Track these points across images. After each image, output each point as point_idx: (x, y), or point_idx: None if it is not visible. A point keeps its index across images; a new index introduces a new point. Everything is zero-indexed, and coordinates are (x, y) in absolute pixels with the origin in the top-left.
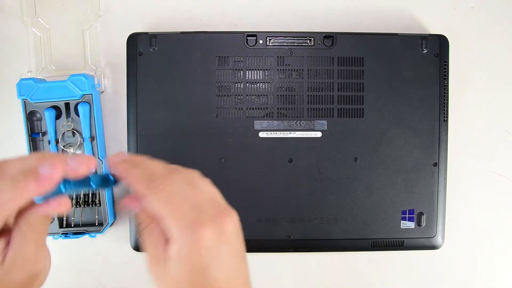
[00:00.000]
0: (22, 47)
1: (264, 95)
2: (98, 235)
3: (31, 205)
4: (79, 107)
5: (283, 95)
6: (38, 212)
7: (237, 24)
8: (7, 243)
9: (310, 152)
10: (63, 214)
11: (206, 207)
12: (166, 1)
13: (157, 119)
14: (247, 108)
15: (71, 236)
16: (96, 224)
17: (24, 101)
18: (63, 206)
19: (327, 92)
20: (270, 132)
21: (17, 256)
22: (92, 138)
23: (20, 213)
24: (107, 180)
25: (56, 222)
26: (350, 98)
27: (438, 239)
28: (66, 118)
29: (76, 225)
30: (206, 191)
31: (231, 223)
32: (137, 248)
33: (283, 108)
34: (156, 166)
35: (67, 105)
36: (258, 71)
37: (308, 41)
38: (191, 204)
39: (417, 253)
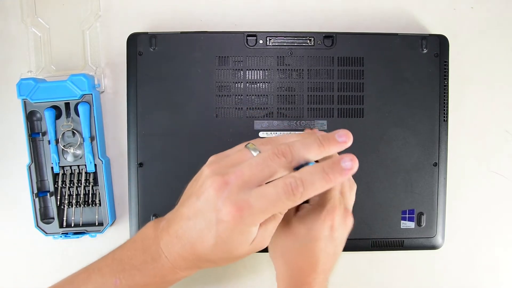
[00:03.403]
0: (22, 47)
1: (264, 95)
2: (98, 235)
3: None
4: (79, 107)
5: (283, 95)
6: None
7: (237, 24)
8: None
9: None
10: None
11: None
12: (166, 1)
13: (157, 119)
14: (247, 108)
15: (71, 236)
16: (96, 224)
17: (24, 101)
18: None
19: (327, 92)
20: (270, 132)
21: (265, 235)
22: (92, 138)
23: None
24: None
25: (56, 222)
26: (350, 98)
27: (438, 239)
28: (66, 118)
29: (76, 225)
30: (353, 198)
31: (351, 224)
32: None
33: (283, 108)
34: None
35: (67, 105)
36: (258, 71)
37: (308, 41)
38: (348, 203)
39: (417, 253)
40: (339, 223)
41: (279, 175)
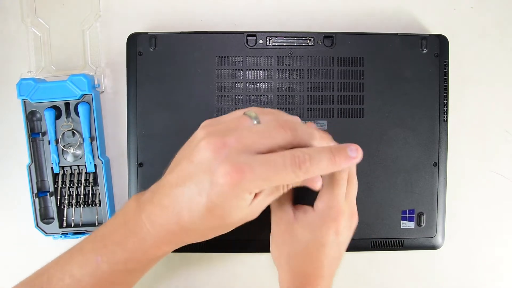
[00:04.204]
0: (22, 47)
1: (264, 95)
2: None
3: None
4: (79, 107)
5: (283, 95)
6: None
7: (237, 24)
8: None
9: None
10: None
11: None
12: (166, 1)
13: (157, 119)
14: None
15: (71, 236)
16: (96, 224)
17: (24, 101)
18: (318, 180)
19: (327, 92)
20: None
21: (258, 208)
22: (92, 138)
23: None
24: None
25: (56, 222)
26: (350, 98)
27: (438, 239)
28: (66, 118)
29: (76, 225)
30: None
31: (355, 225)
32: None
33: (283, 108)
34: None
35: (67, 105)
36: (258, 71)
37: (308, 41)
38: (353, 206)
39: (417, 253)
40: (344, 227)
41: (279, 149)
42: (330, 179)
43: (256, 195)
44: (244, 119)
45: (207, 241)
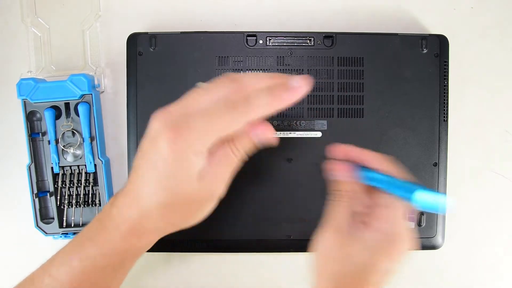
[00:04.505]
0: (22, 47)
1: None
2: None
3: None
4: (79, 107)
5: None
6: (250, 137)
7: (237, 24)
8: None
9: (310, 152)
10: (268, 144)
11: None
12: (166, 1)
13: None
14: None
15: (71, 236)
16: None
17: (24, 101)
18: (268, 132)
19: (327, 92)
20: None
21: (213, 175)
22: (92, 138)
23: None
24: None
25: (56, 222)
26: (350, 98)
27: (438, 239)
28: (66, 118)
29: (76, 225)
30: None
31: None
32: None
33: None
34: None
35: (67, 105)
36: (258, 71)
37: (308, 41)
38: (404, 227)
39: (417, 253)
40: (401, 256)
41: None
42: (389, 200)
43: (211, 161)
44: (190, 92)
45: (207, 241)
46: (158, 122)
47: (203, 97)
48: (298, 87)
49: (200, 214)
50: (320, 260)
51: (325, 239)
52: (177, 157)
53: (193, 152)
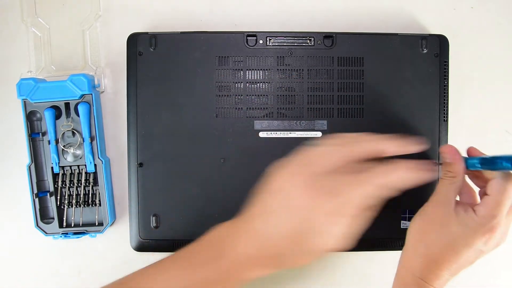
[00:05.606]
0: (22, 47)
1: (264, 95)
2: (98, 235)
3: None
4: (79, 107)
5: (283, 95)
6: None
7: (237, 24)
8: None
9: None
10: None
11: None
12: (166, 1)
13: (157, 119)
14: (247, 108)
15: (71, 236)
16: (96, 224)
17: (24, 101)
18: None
19: (327, 92)
20: (270, 132)
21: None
22: (92, 138)
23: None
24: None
25: (56, 222)
26: (350, 98)
27: None
28: (66, 118)
29: (76, 225)
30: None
31: (501, 244)
32: (137, 248)
33: (283, 108)
34: None
35: (67, 105)
36: (258, 71)
37: (308, 41)
38: (509, 225)
39: None
40: (494, 240)
41: (343, 163)
42: (502, 187)
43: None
44: (306, 149)
45: None
46: (288, 180)
47: (330, 159)
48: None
49: (300, 264)
50: (419, 228)
51: (430, 211)
52: (314, 216)
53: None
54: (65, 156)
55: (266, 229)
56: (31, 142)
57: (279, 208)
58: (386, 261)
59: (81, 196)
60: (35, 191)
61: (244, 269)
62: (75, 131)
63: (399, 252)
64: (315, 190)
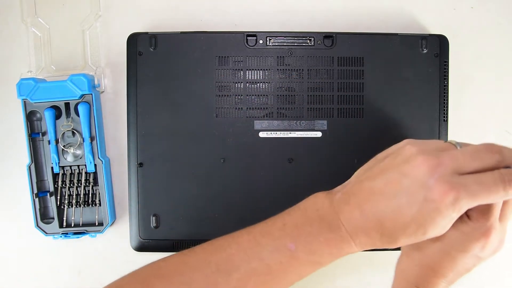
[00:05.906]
0: (22, 47)
1: (264, 95)
2: (98, 235)
3: None
4: (79, 107)
5: (283, 95)
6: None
7: (237, 24)
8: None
9: (310, 152)
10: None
11: None
12: (166, 1)
13: (157, 119)
14: (247, 108)
15: (71, 236)
16: (96, 224)
17: (24, 101)
18: None
19: (327, 92)
20: (270, 132)
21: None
22: (92, 138)
23: None
24: None
25: (56, 222)
26: (350, 98)
27: None
28: (66, 118)
29: (76, 225)
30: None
31: (499, 250)
32: (137, 248)
33: (283, 108)
34: None
35: (67, 105)
36: (258, 71)
37: (308, 41)
38: (505, 230)
39: None
40: (491, 245)
41: (483, 171)
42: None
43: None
44: (448, 144)
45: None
46: (430, 170)
47: (473, 161)
48: None
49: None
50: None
51: None
52: (446, 212)
53: (459, 211)
54: (65, 156)
55: (381, 210)
56: (31, 142)
57: (403, 193)
58: (386, 261)
59: (81, 196)
60: (35, 191)
61: (352, 244)
62: (75, 131)
63: (399, 252)
64: (453, 188)
